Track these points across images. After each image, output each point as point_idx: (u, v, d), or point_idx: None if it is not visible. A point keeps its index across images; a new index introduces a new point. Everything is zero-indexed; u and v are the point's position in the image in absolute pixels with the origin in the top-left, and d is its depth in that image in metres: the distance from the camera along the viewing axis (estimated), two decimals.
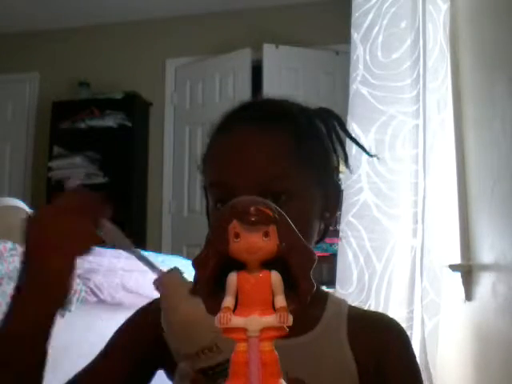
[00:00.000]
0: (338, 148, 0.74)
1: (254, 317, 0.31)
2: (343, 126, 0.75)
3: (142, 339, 0.68)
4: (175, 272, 0.54)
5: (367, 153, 0.82)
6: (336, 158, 0.73)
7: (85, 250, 0.57)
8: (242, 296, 0.31)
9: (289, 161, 0.65)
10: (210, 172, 0.70)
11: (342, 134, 0.74)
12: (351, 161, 0.77)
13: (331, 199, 0.70)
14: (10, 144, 4.41)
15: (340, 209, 0.74)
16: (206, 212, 0.73)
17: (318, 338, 0.66)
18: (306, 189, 0.65)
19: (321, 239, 0.72)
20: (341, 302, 0.71)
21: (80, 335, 1.48)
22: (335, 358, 0.65)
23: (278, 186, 0.63)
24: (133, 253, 0.59)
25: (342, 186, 0.75)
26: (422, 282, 1.49)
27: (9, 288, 1.34)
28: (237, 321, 0.31)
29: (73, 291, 1.55)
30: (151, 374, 0.70)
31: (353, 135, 0.81)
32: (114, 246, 0.57)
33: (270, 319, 0.31)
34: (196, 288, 0.32)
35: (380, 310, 1.51)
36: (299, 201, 0.63)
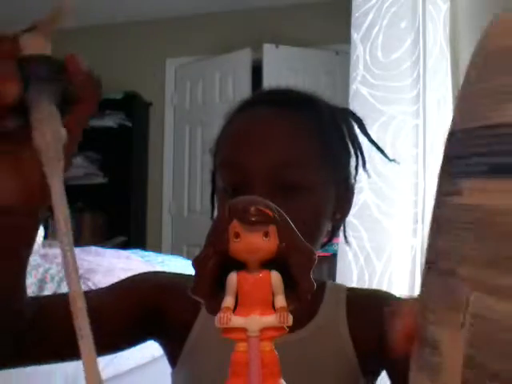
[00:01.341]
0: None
1: (254, 317, 0.31)
2: (364, 128, 0.72)
3: (149, 298, 0.65)
4: None
5: (387, 157, 0.77)
6: (355, 160, 0.70)
7: None
8: (242, 296, 0.31)
9: (308, 151, 0.61)
10: (223, 151, 0.65)
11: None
12: (353, 161, 0.76)
13: (343, 201, 0.68)
14: None
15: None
16: (211, 200, 0.69)
17: (316, 330, 0.64)
18: (320, 184, 0.62)
19: (329, 240, 0.70)
20: (339, 289, 0.69)
21: None
22: (335, 349, 0.63)
23: (291, 176, 0.59)
24: None
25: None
26: None
27: None
28: (237, 321, 0.31)
29: None
30: (138, 337, 0.66)
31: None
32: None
33: (270, 319, 0.31)
34: (196, 288, 0.32)
35: None
36: (312, 196, 0.61)
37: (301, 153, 0.61)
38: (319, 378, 0.62)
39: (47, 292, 1.48)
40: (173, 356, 0.67)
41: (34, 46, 0.37)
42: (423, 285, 0.27)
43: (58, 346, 0.55)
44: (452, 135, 0.26)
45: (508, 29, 0.25)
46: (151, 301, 0.65)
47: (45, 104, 0.35)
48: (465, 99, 0.26)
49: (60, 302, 0.56)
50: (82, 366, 0.29)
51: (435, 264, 0.26)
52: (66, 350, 0.56)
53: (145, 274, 0.72)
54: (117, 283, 0.67)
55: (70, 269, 0.31)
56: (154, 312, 0.65)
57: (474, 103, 0.25)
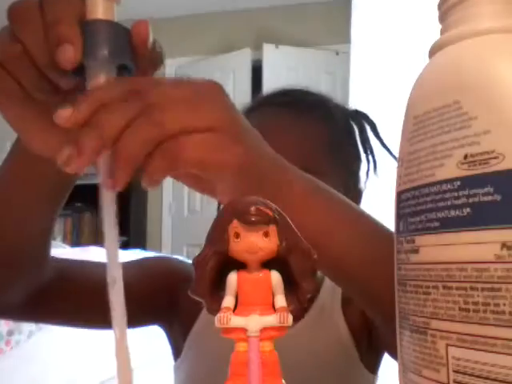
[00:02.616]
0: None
1: (254, 317, 0.31)
2: (376, 131, 0.70)
3: (166, 283, 0.65)
4: None
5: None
6: (367, 164, 0.69)
7: None
8: (242, 296, 0.31)
9: (320, 155, 0.61)
10: None
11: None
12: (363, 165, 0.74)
13: None
14: (10, 142, 4.40)
15: None
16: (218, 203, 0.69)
17: (318, 313, 0.64)
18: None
19: None
20: None
21: (80, 335, 1.49)
22: (331, 336, 0.63)
23: None
24: None
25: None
26: None
27: None
28: (237, 321, 0.31)
29: None
30: (147, 318, 0.67)
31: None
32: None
33: (270, 319, 0.31)
34: (196, 288, 0.32)
35: None
36: None
37: (310, 158, 0.60)
38: (323, 361, 0.63)
39: None
40: (177, 346, 0.67)
41: (100, 9, 0.34)
42: (400, 344, 0.28)
43: (75, 307, 0.55)
44: (401, 194, 0.28)
45: (428, 92, 0.26)
46: (167, 285, 0.65)
47: (103, 75, 0.33)
48: (406, 158, 0.27)
49: (85, 267, 0.56)
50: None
51: (408, 321, 0.27)
52: (82, 315, 0.56)
53: (163, 258, 0.72)
54: (134, 261, 0.66)
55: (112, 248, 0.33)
56: (169, 296, 0.65)
57: (417, 162, 0.26)
